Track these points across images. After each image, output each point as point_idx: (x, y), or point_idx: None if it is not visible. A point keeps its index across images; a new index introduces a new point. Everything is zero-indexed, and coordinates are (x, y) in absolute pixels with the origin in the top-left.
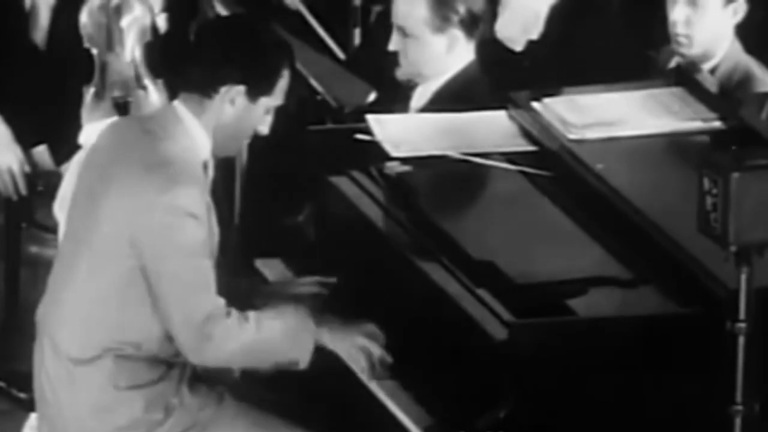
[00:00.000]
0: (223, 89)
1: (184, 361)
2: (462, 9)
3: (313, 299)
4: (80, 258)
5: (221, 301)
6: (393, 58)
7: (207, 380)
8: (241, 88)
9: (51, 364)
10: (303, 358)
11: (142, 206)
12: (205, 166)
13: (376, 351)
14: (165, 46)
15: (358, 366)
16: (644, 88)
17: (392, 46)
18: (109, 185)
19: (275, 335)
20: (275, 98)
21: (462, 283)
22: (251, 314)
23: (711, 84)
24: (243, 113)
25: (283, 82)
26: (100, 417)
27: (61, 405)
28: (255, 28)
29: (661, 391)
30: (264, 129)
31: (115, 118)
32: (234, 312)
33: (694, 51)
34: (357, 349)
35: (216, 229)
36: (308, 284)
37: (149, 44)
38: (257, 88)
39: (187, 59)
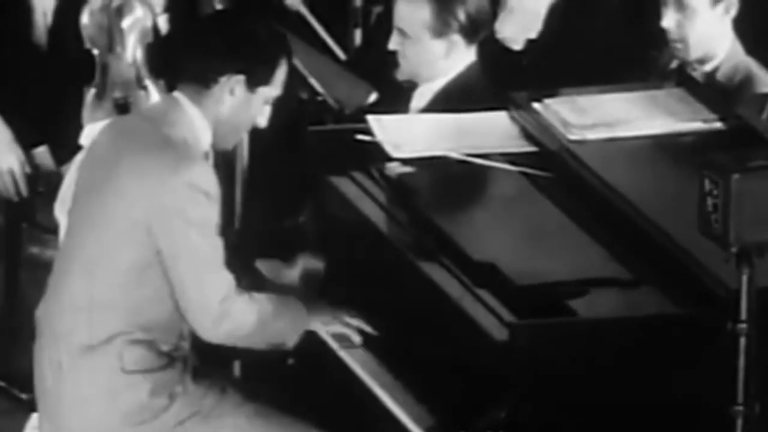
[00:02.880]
0: (223, 79)
1: (185, 354)
2: (462, 15)
3: (306, 287)
4: (88, 247)
5: (233, 279)
6: (393, 59)
7: (209, 374)
8: (240, 78)
9: (54, 355)
10: (292, 339)
11: (155, 187)
12: (206, 158)
13: (364, 326)
14: (166, 45)
15: (352, 339)
16: (645, 88)
17: (392, 46)
18: (116, 172)
19: (276, 316)
20: (274, 88)
21: (463, 283)
22: (255, 294)
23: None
24: (242, 103)
25: (281, 72)
26: (106, 402)
27: (63, 393)
28: (252, 19)
29: (662, 392)
30: (262, 121)
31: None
32: (243, 290)
33: (692, 54)
34: (346, 327)
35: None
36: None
37: (150, 45)
38: (256, 78)
39: (186, 50)
